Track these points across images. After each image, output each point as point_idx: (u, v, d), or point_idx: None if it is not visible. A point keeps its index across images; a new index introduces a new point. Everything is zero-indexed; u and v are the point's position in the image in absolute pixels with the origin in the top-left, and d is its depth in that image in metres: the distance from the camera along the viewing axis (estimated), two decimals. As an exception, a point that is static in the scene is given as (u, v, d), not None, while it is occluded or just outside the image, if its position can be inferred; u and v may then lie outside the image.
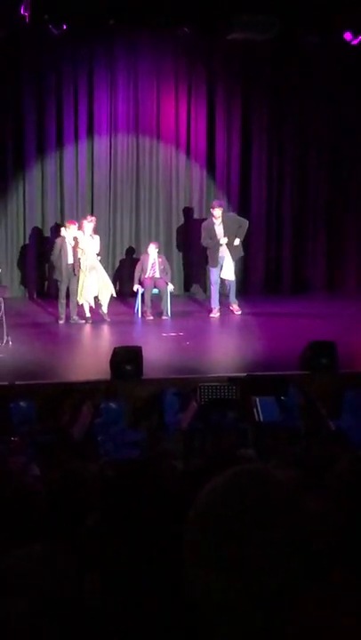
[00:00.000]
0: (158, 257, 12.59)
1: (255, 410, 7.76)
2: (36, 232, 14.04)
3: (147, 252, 12.65)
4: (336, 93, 14.40)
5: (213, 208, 12.41)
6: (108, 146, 14.15)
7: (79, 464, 4.37)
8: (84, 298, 11.75)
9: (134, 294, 12.51)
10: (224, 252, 12.23)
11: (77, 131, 14.01)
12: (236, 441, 7.20)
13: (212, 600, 1.15)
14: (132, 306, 12.55)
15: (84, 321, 11.70)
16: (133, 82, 14.19)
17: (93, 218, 12.43)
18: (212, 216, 12.34)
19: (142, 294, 12.35)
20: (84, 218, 12.32)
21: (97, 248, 11.98)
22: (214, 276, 12.36)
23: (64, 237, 11.97)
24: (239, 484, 1.19)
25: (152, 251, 12.57)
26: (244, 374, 8.60)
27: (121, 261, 14.14)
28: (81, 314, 11.79)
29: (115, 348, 8.73)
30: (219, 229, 12.19)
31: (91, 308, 11.84)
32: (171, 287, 12.47)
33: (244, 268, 14.72)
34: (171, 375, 8.84)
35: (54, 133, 13.94)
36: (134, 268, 12.65)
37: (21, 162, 13.89)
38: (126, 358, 8.61)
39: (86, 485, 2.76)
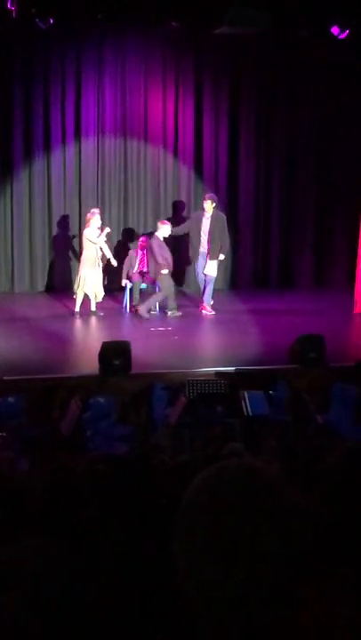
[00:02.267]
0: (147, 251, 12.57)
1: (244, 404, 7.77)
2: (23, 231, 14.03)
3: (136, 247, 12.64)
4: (325, 88, 14.41)
5: (205, 200, 12.26)
6: (95, 144, 14.14)
7: (68, 459, 4.37)
8: (84, 291, 11.79)
9: (122, 289, 12.50)
10: (204, 248, 12.13)
11: (65, 129, 13.99)
12: (225, 435, 7.21)
13: (205, 595, 1.16)
14: (121, 300, 12.54)
15: (102, 313, 11.83)
16: (121, 78, 14.17)
17: (97, 210, 12.41)
18: (202, 208, 12.21)
19: (130, 289, 12.34)
20: (89, 213, 12.25)
21: (100, 242, 12.03)
22: (197, 268, 12.37)
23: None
24: (227, 479, 1.20)
25: (142, 245, 12.56)
26: (233, 369, 8.62)
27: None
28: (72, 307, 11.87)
29: (103, 343, 8.72)
30: (205, 223, 12.12)
31: (84, 302, 11.92)
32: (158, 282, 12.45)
33: (231, 263, 14.76)
34: (159, 370, 8.84)
35: (41, 131, 13.93)
36: (123, 263, 12.63)
37: (9, 161, 13.88)
38: (115, 353, 8.60)
39: (76, 480, 2.76)
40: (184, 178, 14.61)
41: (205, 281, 12.23)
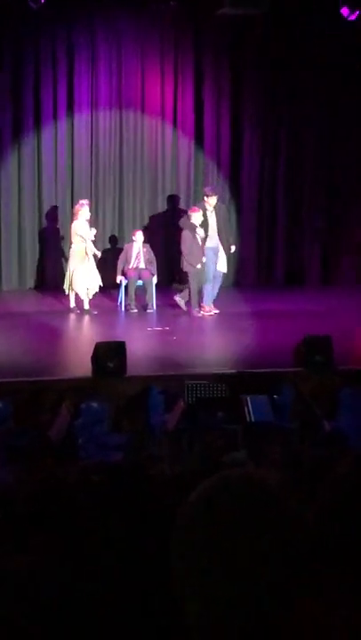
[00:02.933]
0: (143, 246, 12.57)
1: (246, 409, 7.78)
2: (12, 219, 14.01)
3: (132, 241, 12.63)
4: (332, 68, 14.38)
5: (208, 196, 12.13)
6: (88, 126, 14.14)
7: (58, 468, 4.37)
8: (75, 289, 11.80)
9: (117, 286, 12.50)
10: (217, 242, 12.14)
11: (56, 109, 13.99)
12: (226, 443, 7.22)
13: (203, 612, 1.17)
14: (115, 298, 12.55)
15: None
16: (116, 60, 14.18)
17: (86, 201, 12.43)
18: (205, 202, 12.14)
19: (126, 286, 12.35)
20: (77, 204, 12.29)
21: (92, 235, 12.07)
22: (207, 265, 12.29)
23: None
24: (229, 490, 1.21)
25: (138, 239, 12.54)
26: (234, 371, 8.63)
27: (103, 251, 14.11)
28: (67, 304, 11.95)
29: (96, 344, 8.72)
30: (212, 218, 12.09)
31: (77, 299, 11.98)
32: (155, 279, 12.46)
33: (233, 257, 14.75)
34: (156, 372, 8.85)
35: (31, 111, 13.91)
36: (117, 258, 12.63)
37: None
38: (109, 354, 8.60)
39: (67, 491, 2.77)
40: (184, 163, 14.60)
41: (215, 278, 12.18)
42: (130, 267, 12.40)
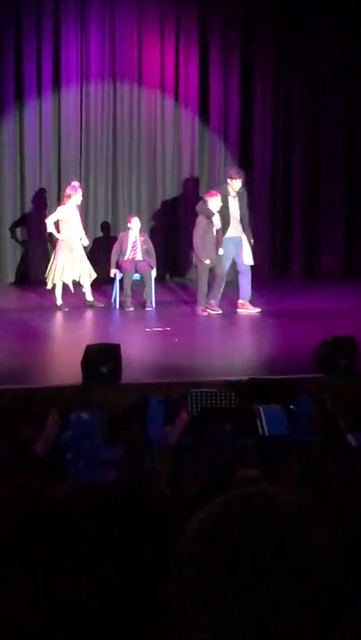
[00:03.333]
0: (140, 235, 12.57)
1: (258, 421, 7.77)
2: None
3: (127, 229, 12.62)
4: (354, 33, 14.35)
5: (233, 179, 12.05)
6: (77, 99, 14.15)
7: (44, 487, 4.37)
8: (62, 280, 11.91)
9: (111, 281, 12.50)
10: (240, 232, 12.11)
11: (40, 80, 13.99)
12: (235, 459, 7.21)
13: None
14: (109, 294, 12.55)
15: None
16: (109, 17, 14.15)
17: (78, 183, 12.51)
18: (229, 186, 12.07)
19: (121, 280, 12.34)
20: (70, 187, 12.36)
21: (78, 220, 12.23)
22: (226, 258, 12.25)
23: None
24: (237, 512, 1.19)
25: (135, 226, 12.54)
26: (245, 378, 8.62)
27: (95, 240, 14.13)
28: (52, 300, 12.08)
29: (87, 347, 8.73)
30: (234, 205, 12.05)
31: (65, 293, 12.08)
32: (154, 272, 12.45)
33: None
34: (155, 379, 8.85)
35: (12, 83, 13.92)
36: (111, 248, 12.63)
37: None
38: (101, 358, 8.60)
39: (54, 514, 2.76)
40: (186, 141, 14.60)
41: (242, 273, 12.16)
42: (125, 258, 12.39)
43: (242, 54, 14.60)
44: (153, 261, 12.53)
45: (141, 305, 12.30)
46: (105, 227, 14.29)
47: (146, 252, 12.49)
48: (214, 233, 11.84)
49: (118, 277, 12.38)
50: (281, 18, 14.39)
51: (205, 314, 11.86)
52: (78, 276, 12.04)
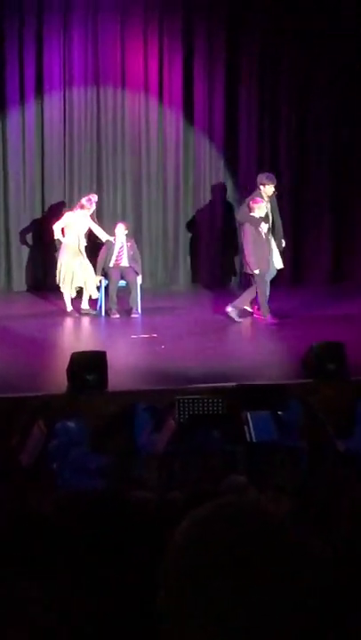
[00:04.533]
0: (127, 241, 12.56)
1: (246, 428, 7.77)
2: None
3: (113, 235, 12.61)
4: (339, 33, 14.36)
5: (264, 185, 12.07)
6: (61, 105, 14.11)
7: (31, 497, 4.35)
8: (67, 287, 12.08)
9: (96, 288, 12.48)
10: (270, 238, 12.07)
11: (23, 86, 13.94)
12: (224, 466, 7.21)
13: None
14: (94, 301, 12.52)
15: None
16: (92, 22, 14.12)
17: (96, 197, 12.71)
18: (261, 192, 12.06)
19: (106, 287, 12.33)
20: (87, 200, 12.49)
21: (85, 228, 12.28)
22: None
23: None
24: (225, 520, 1.19)
25: (120, 233, 12.53)
26: (233, 384, 8.61)
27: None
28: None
29: (72, 354, 8.71)
30: (267, 210, 12.05)
31: (73, 299, 12.20)
32: (140, 279, 12.44)
33: (230, 254, 14.75)
34: (142, 387, 8.83)
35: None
36: (97, 254, 12.60)
37: None
38: (87, 366, 8.59)
39: (41, 523, 2.75)
40: (171, 144, 14.57)
41: (271, 276, 12.10)
42: (111, 265, 12.38)
43: (226, 57, 14.58)
44: (139, 268, 12.51)
45: (127, 312, 12.28)
46: (89, 233, 14.27)
47: (132, 259, 12.47)
48: (264, 238, 11.81)
49: (104, 284, 12.36)
50: (266, 20, 14.40)
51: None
52: (83, 283, 12.11)
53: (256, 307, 12.04)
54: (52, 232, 12.36)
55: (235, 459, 7.63)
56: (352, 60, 14.46)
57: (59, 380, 8.66)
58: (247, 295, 11.97)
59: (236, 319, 11.70)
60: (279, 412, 8.17)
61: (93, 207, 12.43)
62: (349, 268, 15.00)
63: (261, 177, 12.36)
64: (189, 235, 14.82)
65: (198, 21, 14.43)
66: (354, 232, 14.88)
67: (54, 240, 12.53)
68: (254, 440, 7.72)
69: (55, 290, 12.38)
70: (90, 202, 12.37)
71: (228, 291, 14.32)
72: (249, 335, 11.05)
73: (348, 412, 8.45)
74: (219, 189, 14.77)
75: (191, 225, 14.80)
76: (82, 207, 12.28)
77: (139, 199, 14.52)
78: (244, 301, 11.94)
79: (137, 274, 12.40)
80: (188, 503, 3.09)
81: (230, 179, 14.85)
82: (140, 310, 12.25)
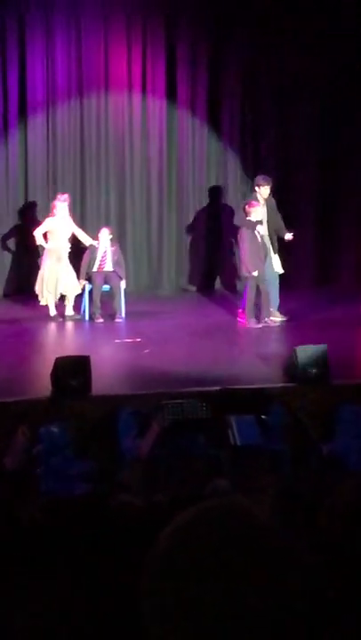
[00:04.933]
0: (111, 245, 12.56)
1: (230, 432, 7.78)
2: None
3: (97, 239, 12.59)
4: (328, 38, 14.41)
5: (260, 186, 12.11)
6: (44, 111, 14.10)
7: (15, 503, 4.35)
8: (51, 292, 12.07)
9: (80, 292, 12.47)
10: (267, 242, 12.08)
11: (7, 93, 13.93)
12: (208, 470, 7.21)
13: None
14: (78, 306, 12.51)
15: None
16: (75, 28, 14.12)
17: (66, 195, 12.56)
18: (257, 194, 12.10)
19: (90, 292, 12.32)
20: (55, 198, 12.49)
21: (68, 232, 12.30)
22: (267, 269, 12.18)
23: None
24: (209, 523, 1.19)
25: (104, 237, 12.52)
26: (217, 388, 8.62)
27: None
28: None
29: (56, 359, 8.69)
30: (264, 214, 12.06)
31: (56, 305, 12.21)
32: (124, 283, 12.44)
33: (213, 258, 14.78)
34: (126, 391, 8.82)
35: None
36: (80, 260, 12.59)
37: None
38: (71, 371, 8.57)
39: (23, 529, 2.75)
40: (154, 150, 14.59)
41: (270, 281, 12.09)
42: (94, 270, 12.37)
43: (210, 62, 14.62)
44: (123, 272, 12.51)
45: (111, 316, 12.28)
46: (73, 237, 14.25)
47: (116, 263, 12.47)
48: (260, 242, 11.81)
49: (87, 289, 12.35)
50: (250, 24, 14.44)
51: (258, 326, 11.68)
52: (64, 289, 12.11)
53: (241, 310, 12.05)
54: (33, 238, 12.34)
55: (219, 463, 7.63)
56: (337, 58, 14.50)
57: (42, 384, 8.65)
58: (264, 304, 11.95)
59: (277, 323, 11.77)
60: (263, 416, 8.18)
61: (64, 205, 12.33)
62: (334, 272, 15.04)
63: (258, 179, 12.38)
64: (173, 239, 14.83)
65: (181, 26, 14.45)
66: (339, 235, 14.91)
67: (37, 246, 12.52)
68: (238, 444, 7.73)
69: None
70: (58, 199, 12.38)
71: (212, 295, 14.35)
72: (233, 339, 11.05)
73: (331, 415, 8.47)
74: (202, 194, 14.79)
75: (175, 229, 14.81)
76: (55, 208, 12.26)
77: (123, 204, 14.53)
78: (266, 311, 11.91)
79: (121, 278, 12.40)
80: (173, 507, 3.09)
81: (214, 183, 14.88)
82: (123, 315, 12.25)
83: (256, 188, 12.18)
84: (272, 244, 12.13)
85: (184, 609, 1.16)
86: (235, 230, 14.57)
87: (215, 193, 14.89)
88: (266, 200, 12.09)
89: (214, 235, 14.87)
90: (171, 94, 14.57)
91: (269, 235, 12.10)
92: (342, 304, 12.94)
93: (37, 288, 12.24)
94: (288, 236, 12.27)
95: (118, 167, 14.48)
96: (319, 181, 14.94)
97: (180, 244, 14.81)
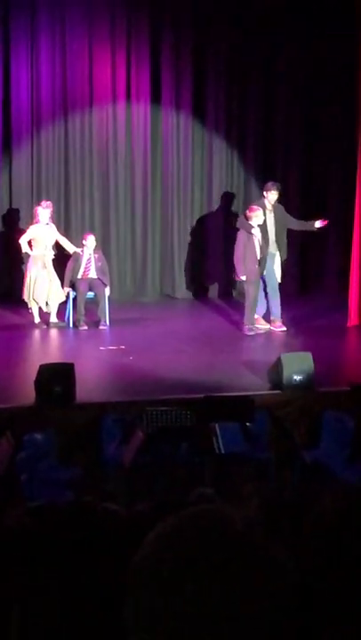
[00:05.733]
0: (95, 252, 12.54)
1: (214, 439, 7.77)
2: None
3: (82, 246, 12.56)
4: (313, 39, 14.46)
5: (268, 191, 12.09)
6: (28, 117, 14.08)
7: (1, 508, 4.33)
8: (35, 300, 12.10)
9: (64, 299, 12.45)
10: (275, 248, 12.06)
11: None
12: (192, 478, 7.20)
13: None
14: (62, 313, 12.49)
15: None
16: (60, 33, 14.11)
17: (49, 202, 12.57)
18: (265, 199, 12.10)
19: (74, 299, 12.30)
20: (38, 204, 12.53)
21: (52, 239, 12.30)
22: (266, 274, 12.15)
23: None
24: (192, 530, 1.19)
25: (90, 244, 12.50)
26: (201, 396, 8.61)
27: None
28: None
29: (40, 366, 8.67)
30: (270, 219, 12.06)
31: (41, 312, 12.22)
32: (108, 290, 12.43)
33: (198, 265, 14.79)
34: (110, 399, 8.81)
35: None
36: (64, 266, 12.58)
37: None
38: (54, 378, 8.55)
39: (5, 536, 2.73)
40: (139, 156, 14.58)
41: (274, 288, 12.08)
42: (79, 276, 12.36)
43: (194, 68, 14.64)
44: (107, 279, 12.50)
45: (95, 324, 12.26)
46: (57, 244, 14.23)
47: (100, 270, 12.46)
48: (257, 248, 11.78)
49: (72, 296, 12.33)
50: (234, 29, 14.48)
51: (252, 333, 11.71)
52: (47, 296, 12.11)
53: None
54: (19, 246, 12.32)
55: (203, 471, 7.63)
56: (321, 60, 14.58)
57: (26, 392, 8.62)
58: (247, 309, 11.95)
59: (252, 333, 11.74)
60: (247, 424, 8.18)
61: (46, 211, 12.34)
62: (316, 280, 15.07)
63: (267, 184, 12.36)
64: (157, 246, 14.83)
65: (165, 32, 14.46)
66: (323, 244, 14.95)
67: (22, 253, 12.52)
68: (222, 451, 7.73)
69: (23, 302, 12.35)
70: (40, 205, 12.43)
71: (196, 302, 14.36)
72: (217, 347, 11.04)
73: (315, 422, 8.48)
74: (187, 201, 14.79)
75: (159, 237, 14.81)
76: (38, 215, 12.28)
77: (107, 211, 14.52)
78: (247, 316, 11.89)
79: (105, 285, 12.39)
80: (156, 515, 3.08)
81: (198, 190, 14.89)
82: (108, 322, 12.24)
83: (264, 193, 12.19)
84: (280, 250, 12.10)
85: (166, 614, 1.15)
86: (220, 236, 14.62)
87: (200, 199, 14.91)
88: (273, 206, 12.08)
89: (199, 241, 14.88)
90: (155, 100, 14.57)
91: (277, 241, 12.07)
92: (327, 311, 12.98)
93: (25, 296, 12.21)
94: (318, 224, 12.19)
95: (102, 174, 14.47)
96: (303, 190, 14.98)
97: (164, 251, 14.81)
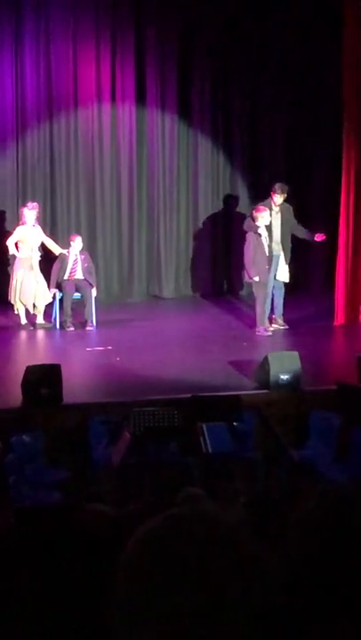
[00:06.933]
0: (81, 253, 12.53)
1: (202, 439, 7.77)
2: None
3: (68, 247, 12.55)
4: (293, 39, 14.50)
5: (275, 192, 12.05)
6: (13, 118, 14.05)
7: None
8: (22, 301, 12.10)
9: (51, 300, 12.44)
10: (279, 249, 12.06)
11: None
12: (180, 478, 7.20)
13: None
14: (49, 315, 12.47)
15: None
16: (44, 34, 14.08)
17: (35, 204, 12.54)
18: (271, 200, 12.06)
19: (61, 300, 12.29)
20: (24, 205, 12.54)
21: (38, 241, 12.27)
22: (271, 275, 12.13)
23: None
24: (177, 530, 1.19)
25: (77, 245, 12.48)
26: (188, 396, 8.62)
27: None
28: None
29: (27, 367, 8.66)
30: (276, 220, 12.04)
31: (27, 313, 12.22)
32: (95, 291, 12.43)
33: (185, 266, 14.79)
34: (97, 399, 8.81)
35: None
36: (50, 267, 12.56)
37: None
38: (41, 380, 8.54)
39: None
40: (124, 157, 14.57)
41: (276, 288, 12.09)
42: (65, 277, 12.35)
43: (179, 68, 14.64)
44: (93, 280, 12.50)
45: (82, 325, 12.25)
46: (43, 245, 14.22)
47: (86, 271, 12.45)
48: (265, 248, 11.77)
49: (58, 297, 12.32)
50: (219, 29, 14.49)
51: (268, 334, 11.69)
52: (34, 297, 12.11)
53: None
54: (5, 248, 12.31)
55: (190, 470, 7.63)
56: (307, 63, 14.61)
57: (13, 393, 8.61)
58: (258, 311, 11.91)
59: (269, 333, 11.72)
60: (235, 424, 8.18)
61: (32, 212, 12.34)
62: (303, 279, 15.09)
63: (274, 185, 12.29)
64: (143, 247, 14.83)
65: (150, 32, 14.45)
66: (309, 244, 14.96)
67: (9, 255, 12.50)
68: (210, 451, 7.73)
69: (9, 303, 12.34)
70: (26, 207, 12.43)
71: (183, 302, 14.35)
72: (204, 347, 11.05)
73: (302, 422, 8.50)
74: (173, 201, 14.80)
75: (145, 237, 14.81)
76: (24, 216, 12.29)
77: (93, 212, 14.51)
78: (260, 318, 11.87)
79: (92, 286, 12.38)
80: (144, 516, 3.08)
81: (185, 191, 14.89)
82: (95, 323, 12.23)
83: (271, 194, 12.17)
84: (284, 251, 12.10)
85: (151, 617, 1.16)
86: (206, 236, 14.62)
87: (186, 200, 14.91)
88: (280, 207, 12.08)
89: (185, 241, 14.89)
90: (140, 100, 14.56)
91: (282, 242, 12.06)
92: (313, 310, 13.00)
93: (11, 297, 12.21)
94: (317, 238, 12.18)
95: (88, 175, 14.46)
96: (290, 192, 15.02)
97: (150, 251, 14.80)
